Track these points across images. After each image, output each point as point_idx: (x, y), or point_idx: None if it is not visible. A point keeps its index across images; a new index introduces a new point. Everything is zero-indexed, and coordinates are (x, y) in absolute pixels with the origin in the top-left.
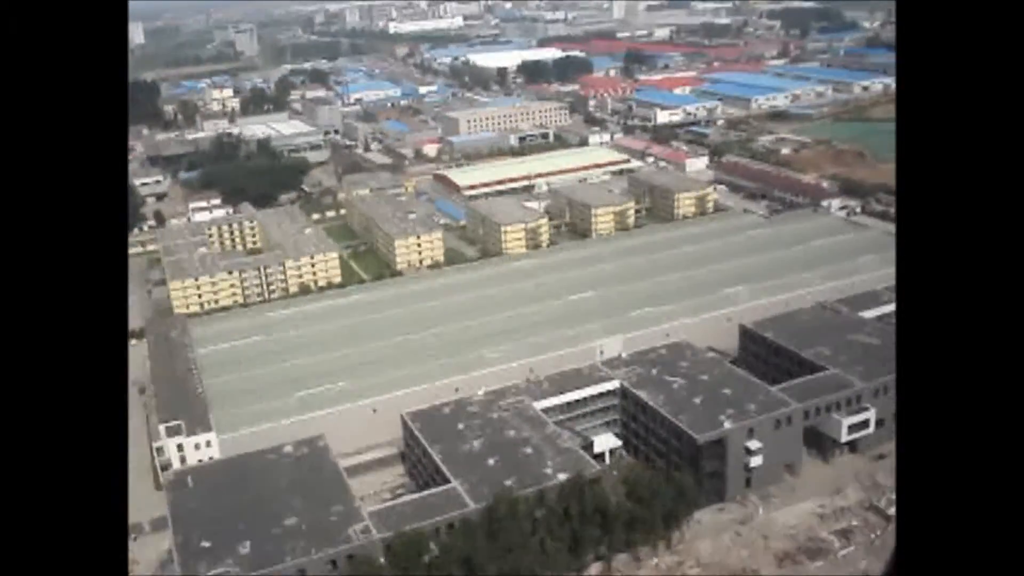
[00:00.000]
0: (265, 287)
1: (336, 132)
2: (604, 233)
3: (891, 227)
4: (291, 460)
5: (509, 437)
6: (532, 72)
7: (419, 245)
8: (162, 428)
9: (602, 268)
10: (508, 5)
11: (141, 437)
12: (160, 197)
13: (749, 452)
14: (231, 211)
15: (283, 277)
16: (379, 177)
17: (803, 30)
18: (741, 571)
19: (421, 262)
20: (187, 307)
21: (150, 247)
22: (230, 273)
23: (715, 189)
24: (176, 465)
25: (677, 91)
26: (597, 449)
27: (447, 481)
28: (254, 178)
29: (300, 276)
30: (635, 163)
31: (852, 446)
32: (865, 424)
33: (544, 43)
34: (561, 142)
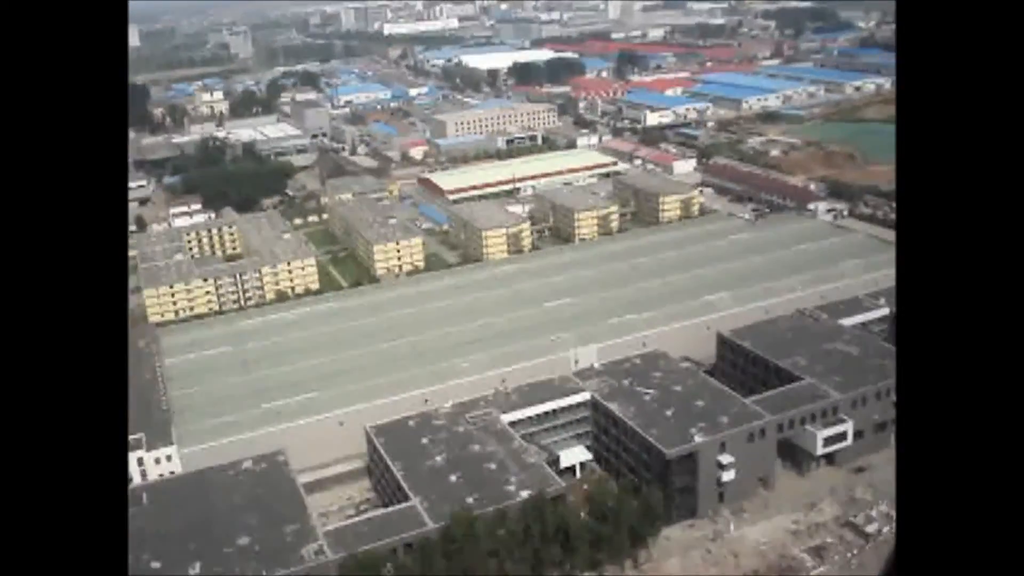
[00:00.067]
0: (241, 294)
1: (324, 135)
2: (587, 237)
3: (877, 231)
4: (249, 476)
5: (473, 452)
6: (523, 74)
7: (399, 251)
8: None
9: (582, 274)
10: (504, 6)
11: None
12: (143, 202)
13: (721, 466)
14: (213, 216)
15: (260, 284)
16: (363, 181)
17: (798, 30)
18: None
19: (400, 268)
20: (161, 315)
21: (129, 253)
22: (205, 280)
23: (701, 192)
24: (136, 480)
25: (668, 92)
26: (565, 463)
27: (407, 498)
28: (238, 182)
29: (277, 283)
30: (622, 166)
31: (830, 459)
32: (842, 436)
33: (537, 44)
34: (549, 145)
